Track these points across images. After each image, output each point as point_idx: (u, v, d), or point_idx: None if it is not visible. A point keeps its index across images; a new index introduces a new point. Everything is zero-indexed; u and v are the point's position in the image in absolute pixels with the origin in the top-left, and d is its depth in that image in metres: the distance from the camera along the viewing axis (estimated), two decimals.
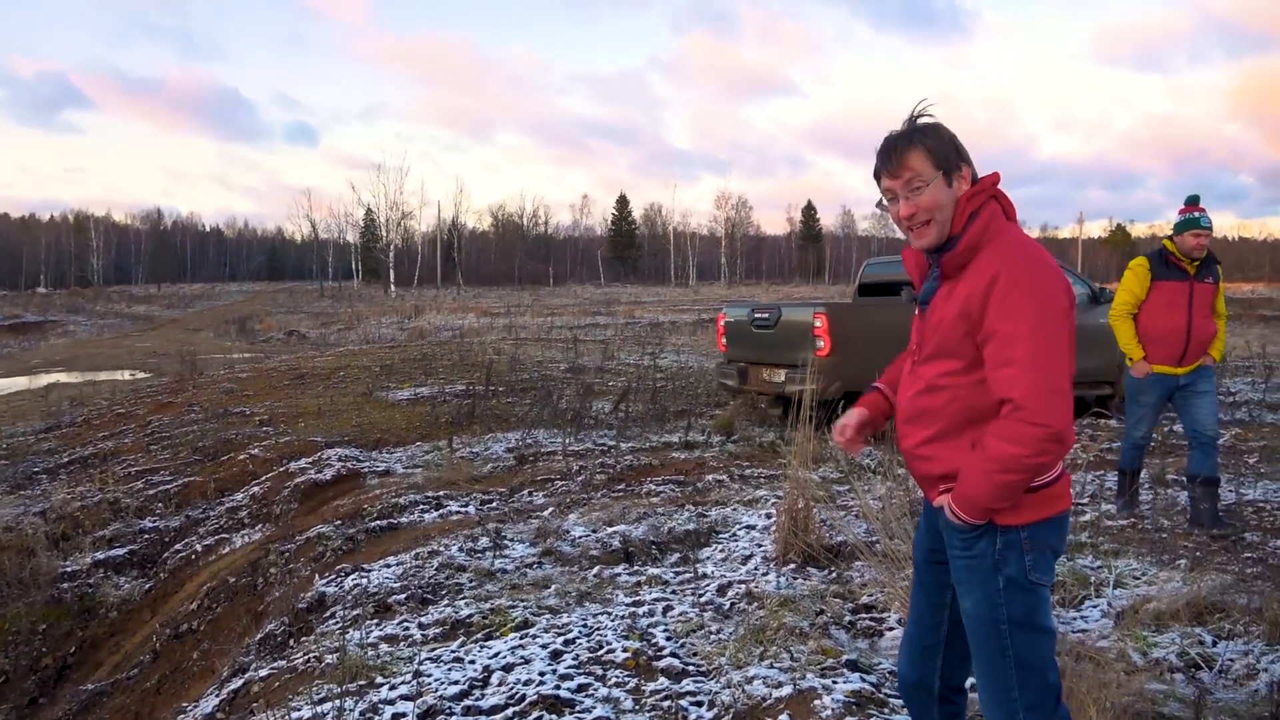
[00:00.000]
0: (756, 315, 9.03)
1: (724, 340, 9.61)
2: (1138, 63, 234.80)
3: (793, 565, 4.53)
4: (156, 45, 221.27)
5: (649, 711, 3.16)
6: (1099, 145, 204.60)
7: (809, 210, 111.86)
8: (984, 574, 2.12)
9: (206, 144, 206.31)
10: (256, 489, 7.53)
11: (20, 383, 19.20)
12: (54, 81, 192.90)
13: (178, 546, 6.93)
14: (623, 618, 3.99)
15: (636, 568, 4.76)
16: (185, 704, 4.40)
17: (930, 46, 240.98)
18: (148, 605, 6.35)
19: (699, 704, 3.20)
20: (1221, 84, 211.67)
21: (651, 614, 4.06)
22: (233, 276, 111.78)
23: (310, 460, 7.93)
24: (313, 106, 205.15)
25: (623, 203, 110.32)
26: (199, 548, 6.76)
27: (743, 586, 4.25)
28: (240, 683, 3.94)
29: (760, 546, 4.88)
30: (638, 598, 4.27)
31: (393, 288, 67.36)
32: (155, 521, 7.48)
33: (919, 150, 2.14)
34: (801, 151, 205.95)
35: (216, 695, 3.98)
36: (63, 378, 21.25)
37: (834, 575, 4.39)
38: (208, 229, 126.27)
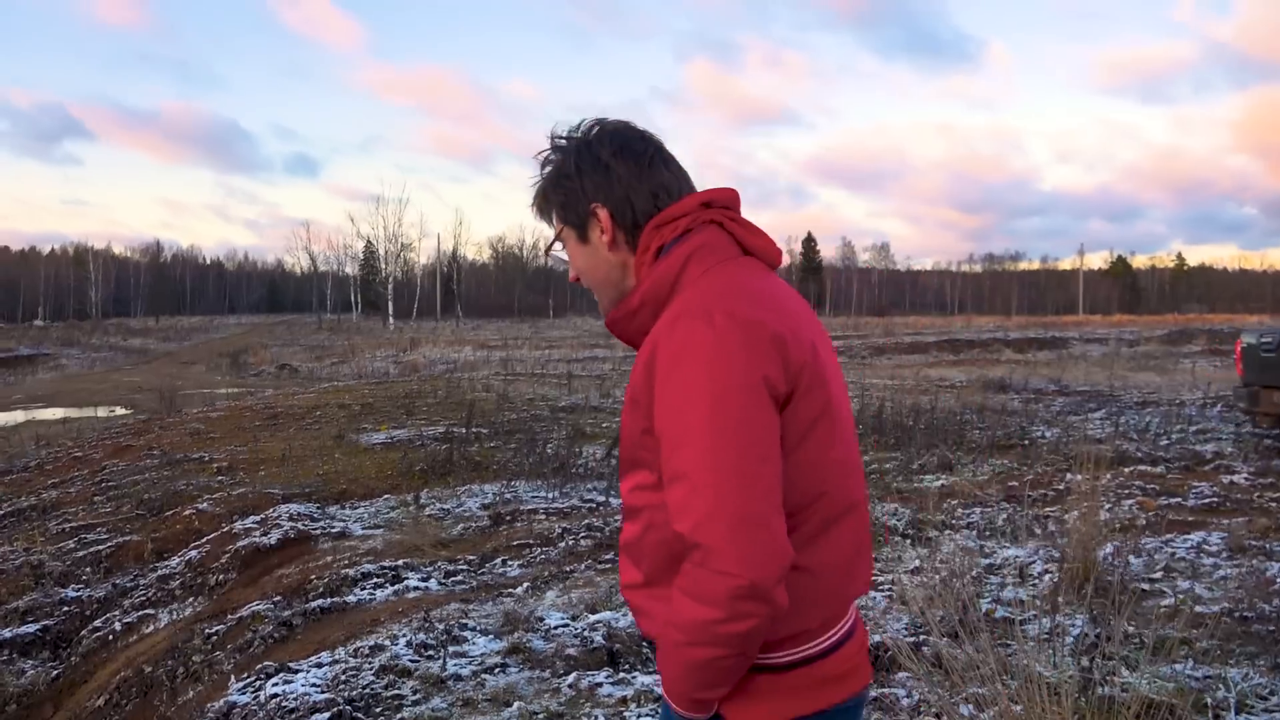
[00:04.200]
0: (1262, 340, 9.23)
1: (1240, 365, 9.75)
2: (1143, 93, 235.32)
3: None
4: (154, 74, 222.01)
5: None
6: (1101, 176, 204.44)
7: (809, 242, 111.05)
8: None
9: (206, 175, 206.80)
10: (194, 553, 6.59)
11: None
12: (52, 112, 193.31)
13: (97, 623, 5.99)
14: None
15: (622, 674, 3.83)
16: None
17: (936, 76, 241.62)
18: (51, 698, 5.39)
19: None
20: (1226, 115, 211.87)
21: None
22: (232, 309, 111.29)
23: (258, 519, 7.00)
24: (312, 138, 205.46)
25: None
26: (118, 626, 5.81)
27: None
28: None
29: None
30: None
31: (391, 320, 66.63)
32: (79, 590, 6.53)
33: (547, 205, 1.55)
34: (803, 182, 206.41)
35: None
36: (41, 414, 20.37)
37: (871, 693, 3.45)
38: (208, 262, 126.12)
